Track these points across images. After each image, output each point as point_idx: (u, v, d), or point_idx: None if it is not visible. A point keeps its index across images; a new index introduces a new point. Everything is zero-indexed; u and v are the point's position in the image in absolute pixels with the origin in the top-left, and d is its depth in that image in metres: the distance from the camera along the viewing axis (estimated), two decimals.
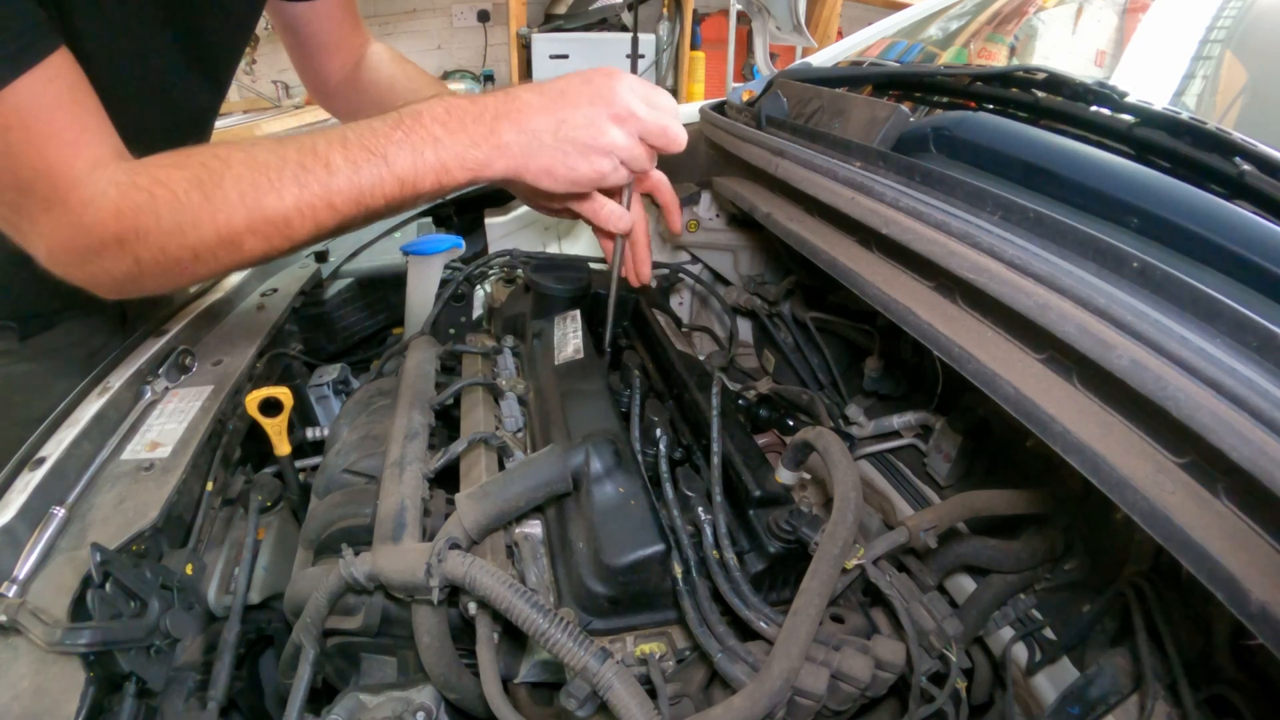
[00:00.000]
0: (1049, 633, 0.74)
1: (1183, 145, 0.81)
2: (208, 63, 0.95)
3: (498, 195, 1.54)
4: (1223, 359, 0.44)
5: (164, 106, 0.91)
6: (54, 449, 0.74)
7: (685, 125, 0.84)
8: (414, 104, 0.71)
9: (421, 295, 1.20)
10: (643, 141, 0.77)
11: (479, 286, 1.28)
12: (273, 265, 1.26)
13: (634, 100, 0.74)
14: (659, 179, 0.90)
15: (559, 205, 0.91)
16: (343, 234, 0.76)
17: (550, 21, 4.38)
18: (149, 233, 0.65)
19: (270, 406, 0.87)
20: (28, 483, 0.69)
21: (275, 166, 0.66)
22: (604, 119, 0.73)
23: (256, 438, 0.93)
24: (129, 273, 0.68)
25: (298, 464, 0.95)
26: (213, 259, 0.68)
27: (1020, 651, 0.74)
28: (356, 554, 0.62)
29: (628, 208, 0.87)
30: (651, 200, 0.93)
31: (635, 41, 3.64)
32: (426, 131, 0.70)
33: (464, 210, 1.57)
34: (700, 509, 0.70)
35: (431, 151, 0.70)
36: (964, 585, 0.80)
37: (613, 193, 0.86)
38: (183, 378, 0.92)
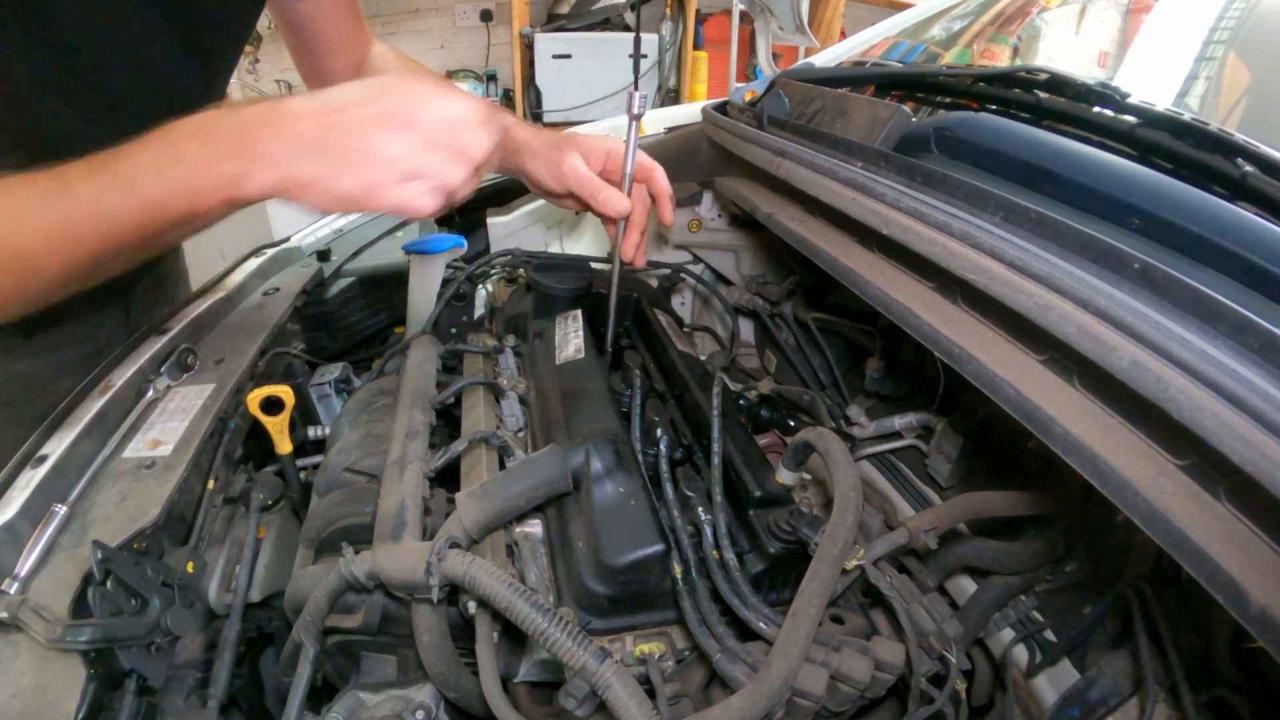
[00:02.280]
0: (1050, 634, 0.73)
1: (1185, 146, 0.81)
2: (202, 52, 0.93)
3: (499, 195, 1.55)
4: (1224, 361, 0.44)
5: (153, 95, 0.88)
6: (56, 447, 0.74)
7: (686, 125, 0.84)
8: (188, 116, 0.63)
9: (423, 294, 1.20)
10: (443, 149, 0.65)
11: (481, 286, 1.28)
12: (274, 265, 1.26)
13: (420, 105, 0.64)
14: (652, 168, 0.92)
15: (562, 194, 0.94)
16: (110, 273, 0.67)
17: (553, 21, 4.38)
18: None
19: (272, 405, 0.87)
20: (29, 480, 0.69)
21: (22, 195, 0.60)
22: (379, 125, 0.62)
23: (258, 436, 0.93)
24: None
25: (299, 462, 0.96)
26: None
27: (1021, 653, 0.74)
28: (357, 552, 0.62)
29: (628, 194, 0.90)
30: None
31: (638, 41, 3.62)
32: (173, 148, 0.61)
33: (466, 210, 1.57)
34: (700, 509, 0.70)
35: (177, 170, 0.60)
36: (965, 586, 0.80)
37: (613, 182, 0.90)
38: (185, 376, 0.92)
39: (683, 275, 1.33)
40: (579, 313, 1.02)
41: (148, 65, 0.86)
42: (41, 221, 0.60)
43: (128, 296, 1.10)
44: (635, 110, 0.85)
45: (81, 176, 0.60)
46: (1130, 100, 0.92)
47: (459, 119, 0.65)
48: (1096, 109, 0.94)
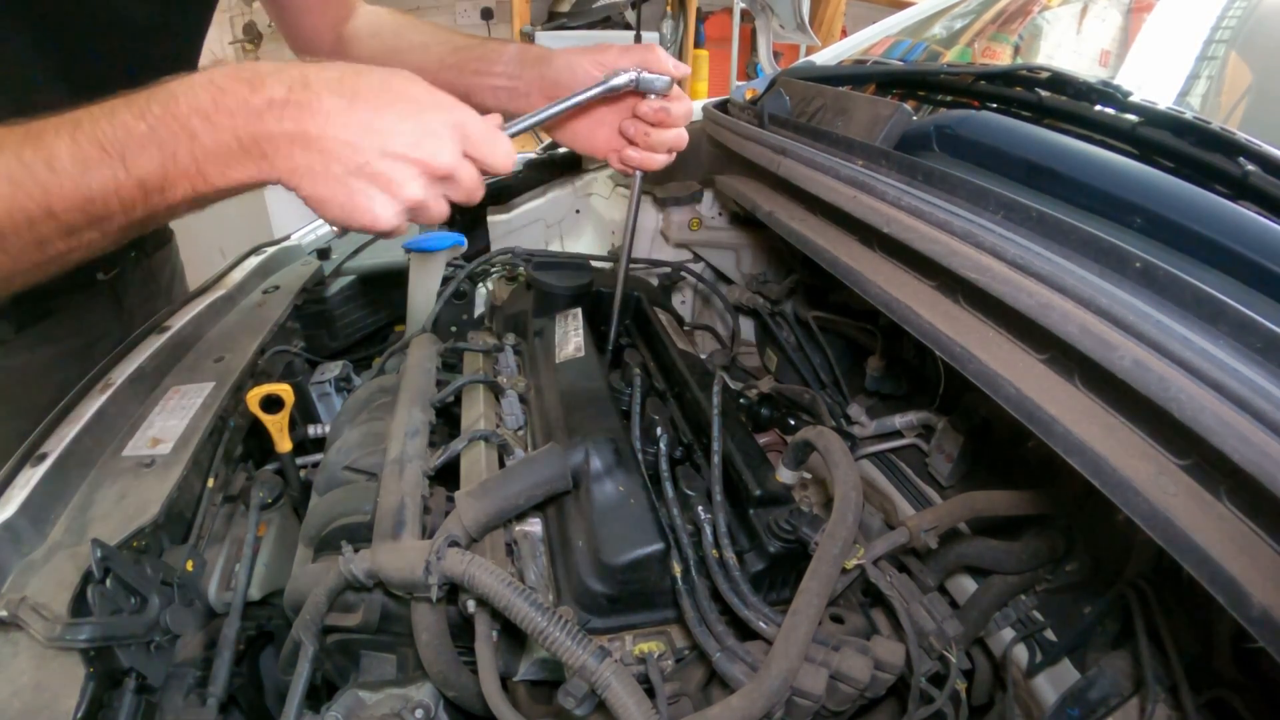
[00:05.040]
0: (1050, 634, 0.73)
1: (1187, 145, 0.81)
2: (179, 16, 0.89)
3: (500, 193, 1.54)
4: (1226, 360, 0.44)
5: (135, 64, 0.84)
6: (55, 445, 0.74)
7: (688, 124, 0.84)
8: (173, 83, 0.54)
9: (423, 293, 1.20)
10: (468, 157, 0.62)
11: (481, 284, 1.28)
12: (274, 263, 1.26)
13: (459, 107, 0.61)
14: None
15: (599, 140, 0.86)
16: (89, 256, 0.59)
17: (554, 19, 4.37)
18: None
19: (272, 403, 0.87)
20: (29, 479, 0.69)
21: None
22: (429, 130, 0.57)
23: (258, 434, 0.93)
24: None
25: (299, 461, 0.96)
26: None
27: (1021, 653, 0.74)
28: (356, 551, 0.62)
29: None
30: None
31: (638, 39, 3.63)
32: (181, 124, 0.53)
33: (465, 208, 1.57)
34: (700, 508, 0.70)
35: (183, 150, 0.53)
36: (965, 586, 0.80)
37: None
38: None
39: (683, 274, 1.33)
40: (579, 311, 1.02)
41: (130, 34, 0.85)
42: (12, 190, 0.51)
43: (119, 288, 1.10)
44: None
45: (59, 140, 0.52)
46: (1132, 99, 0.92)
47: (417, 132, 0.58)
48: (1098, 108, 0.94)
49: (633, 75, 0.77)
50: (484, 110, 0.66)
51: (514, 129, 0.69)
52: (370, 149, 0.55)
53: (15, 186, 0.51)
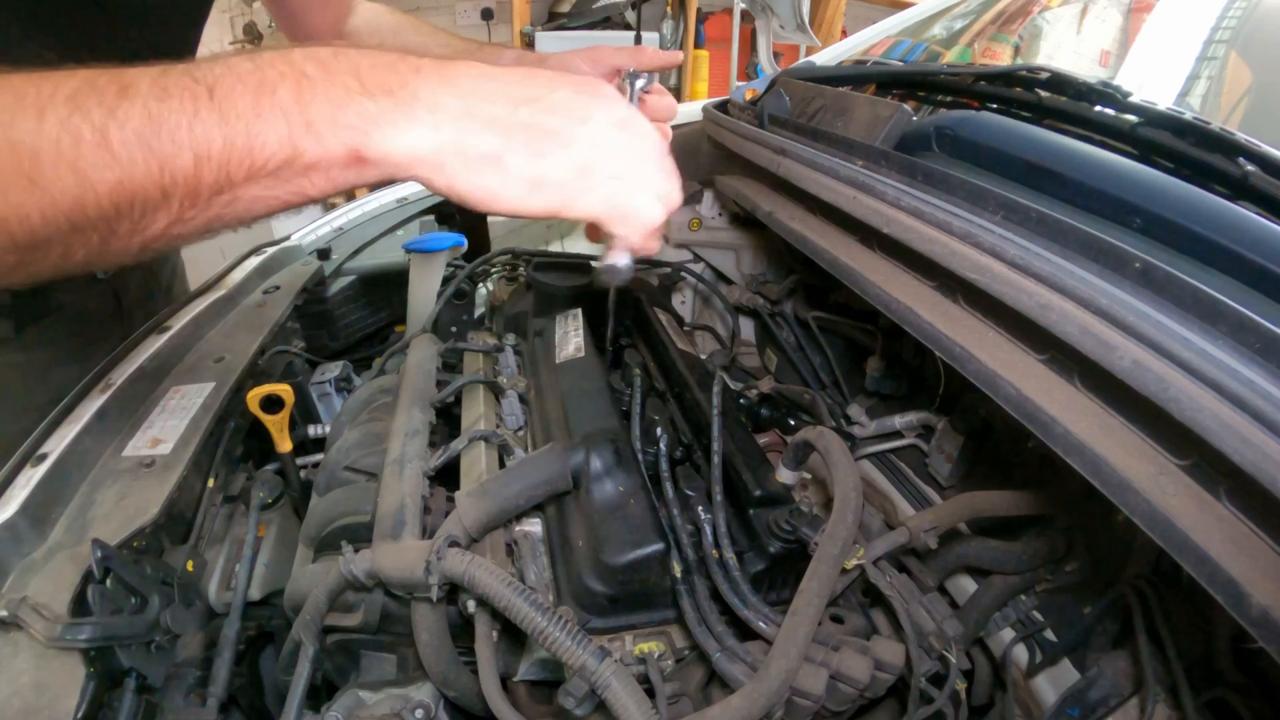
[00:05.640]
0: (1050, 634, 0.73)
1: (1186, 145, 0.81)
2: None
3: None
4: (1225, 361, 0.44)
5: (128, 34, 0.85)
6: (56, 445, 0.74)
7: (687, 124, 0.84)
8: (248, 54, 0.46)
9: (423, 293, 1.20)
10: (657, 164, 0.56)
11: (481, 284, 1.28)
12: (275, 263, 1.26)
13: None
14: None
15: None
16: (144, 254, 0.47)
17: (554, 20, 4.37)
18: None
19: (272, 403, 0.87)
20: (30, 479, 0.69)
21: (48, 86, 0.42)
22: (594, 104, 0.51)
23: (258, 434, 0.93)
24: None
25: (299, 461, 0.96)
26: None
27: (1021, 653, 0.74)
28: (356, 551, 0.62)
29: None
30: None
31: (638, 40, 3.63)
32: (291, 65, 0.44)
33: (466, 208, 1.57)
34: (700, 508, 0.70)
35: (290, 95, 0.43)
36: (965, 586, 0.80)
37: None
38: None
39: (683, 274, 1.33)
40: (579, 311, 1.02)
41: (130, 17, 0.84)
42: (69, 114, 0.41)
43: (119, 288, 1.10)
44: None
45: (139, 76, 0.43)
46: (1132, 99, 0.92)
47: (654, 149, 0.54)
48: (1098, 108, 0.94)
49: (629, 70, 0.78)
50: None
51: None
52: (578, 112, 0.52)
53: (75, 109, 0.42)
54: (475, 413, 0.86)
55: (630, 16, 4.25)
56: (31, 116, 0.41)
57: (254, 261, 1.23)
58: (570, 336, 0.96)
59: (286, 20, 1.08)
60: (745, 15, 4.29)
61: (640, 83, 0.78)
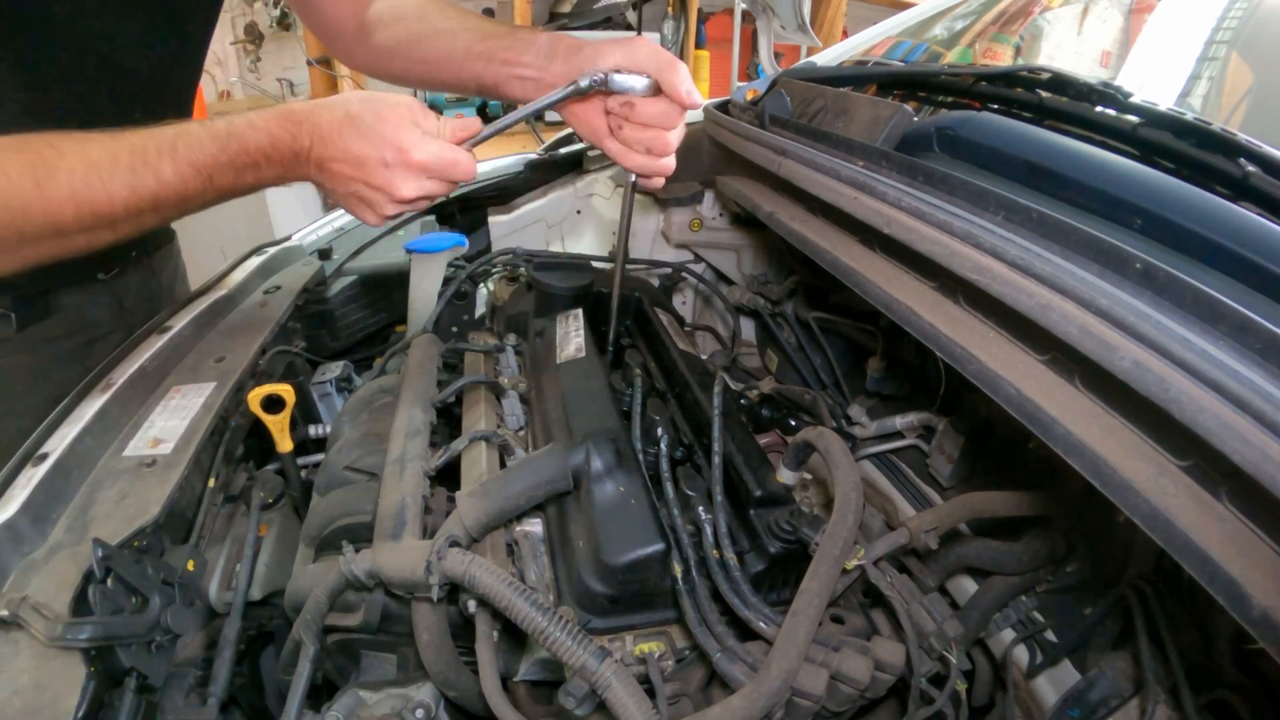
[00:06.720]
0: (1050, 635, 0.73)
1: (1187, 146, 0.81)
2: (168, 23, 0.91)
3: (501, 194, 1.54)
4: (1226, 361, 0.44)
5: (103, 64, 0.89)
6: (56, 445, 0.74)
7: (687, 124, 0.83)
8: (239, 122, 0.75)
9: (424, 293, 1.20)
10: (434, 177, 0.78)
11: (482, 285, 1.28)
12: (276, 263, 1.26)
13: (418, 144, 0.76)
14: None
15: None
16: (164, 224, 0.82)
17: (555, 20, 4.37)
18: None
19: (273, 403, 0.87)
20: (30, 479, 0.69)
21: (108, 167, 0.68)
22: (395, 180, 0.77)
23: (259, 434, 0.93)
24: None
25: (300, 461, 0.96)
26: (38, 245, 0.69)
27: (1021, 653, 0.74)
28: (357, 551, 0.62)
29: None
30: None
31: None
32: (249, 158, 0.75)
33: (467, 208, 1.57)
34: (701, 508, 0.70)
35: (251, 175, 0.77)
36: (965, 586, 0.80)
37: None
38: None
39: (684, 274, 1.33)
40: (580, 312, 1.02)
41: (87, 24, 0.86)
42: (129, 195, 0.69)
43: (120, 288, 1.10)
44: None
45: (161, 160, 0.71)
46: (1132, 100, 0.92)
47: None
48: (1099, 109, 0.94)
49: (599, 76, 0.77)
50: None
51: (476, 140, 0.80)
52: (357, 180, 0.78)
53: (132, 191, 0.69)
54: (476, 413, 0.86)
55: (631, 17, 4.25)
56: (103, 194, 0.68)
57: (255, 261, 1.23)
58: (571, 337, 0.96)
59: (307, 13, 1.07)
60: (746, 16, 4.29)
61: (641, 85, 0.78)
